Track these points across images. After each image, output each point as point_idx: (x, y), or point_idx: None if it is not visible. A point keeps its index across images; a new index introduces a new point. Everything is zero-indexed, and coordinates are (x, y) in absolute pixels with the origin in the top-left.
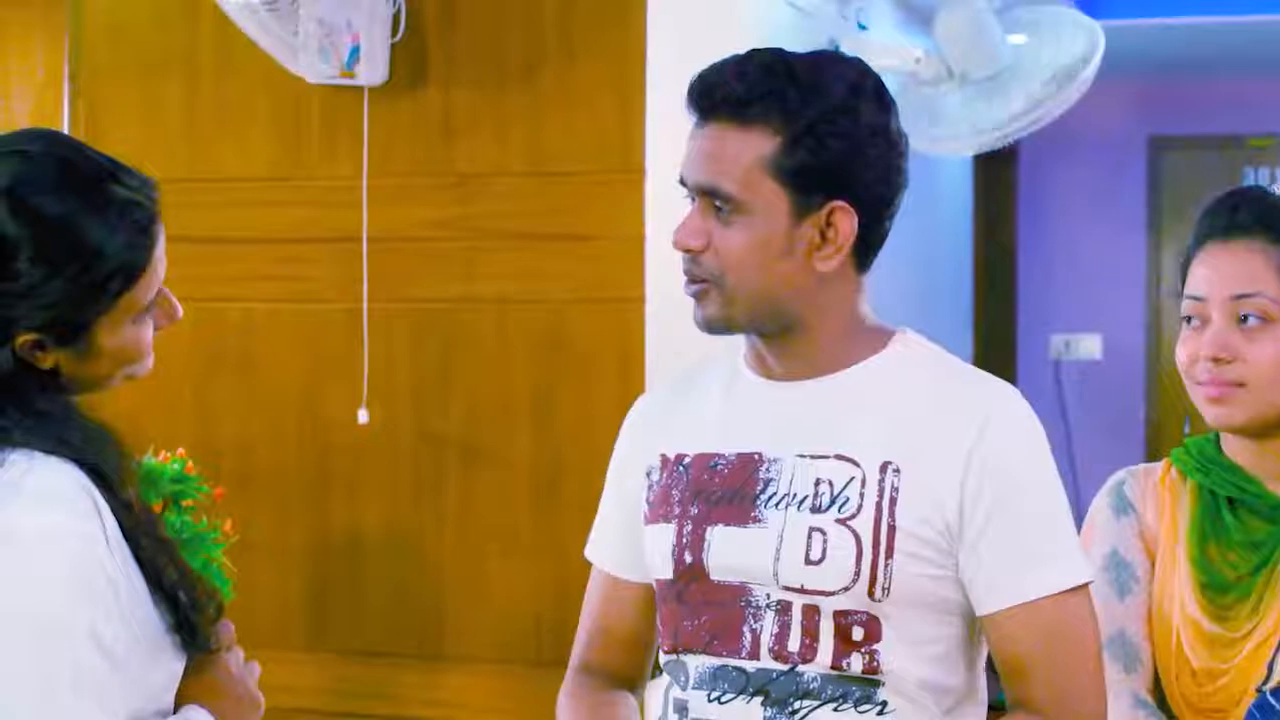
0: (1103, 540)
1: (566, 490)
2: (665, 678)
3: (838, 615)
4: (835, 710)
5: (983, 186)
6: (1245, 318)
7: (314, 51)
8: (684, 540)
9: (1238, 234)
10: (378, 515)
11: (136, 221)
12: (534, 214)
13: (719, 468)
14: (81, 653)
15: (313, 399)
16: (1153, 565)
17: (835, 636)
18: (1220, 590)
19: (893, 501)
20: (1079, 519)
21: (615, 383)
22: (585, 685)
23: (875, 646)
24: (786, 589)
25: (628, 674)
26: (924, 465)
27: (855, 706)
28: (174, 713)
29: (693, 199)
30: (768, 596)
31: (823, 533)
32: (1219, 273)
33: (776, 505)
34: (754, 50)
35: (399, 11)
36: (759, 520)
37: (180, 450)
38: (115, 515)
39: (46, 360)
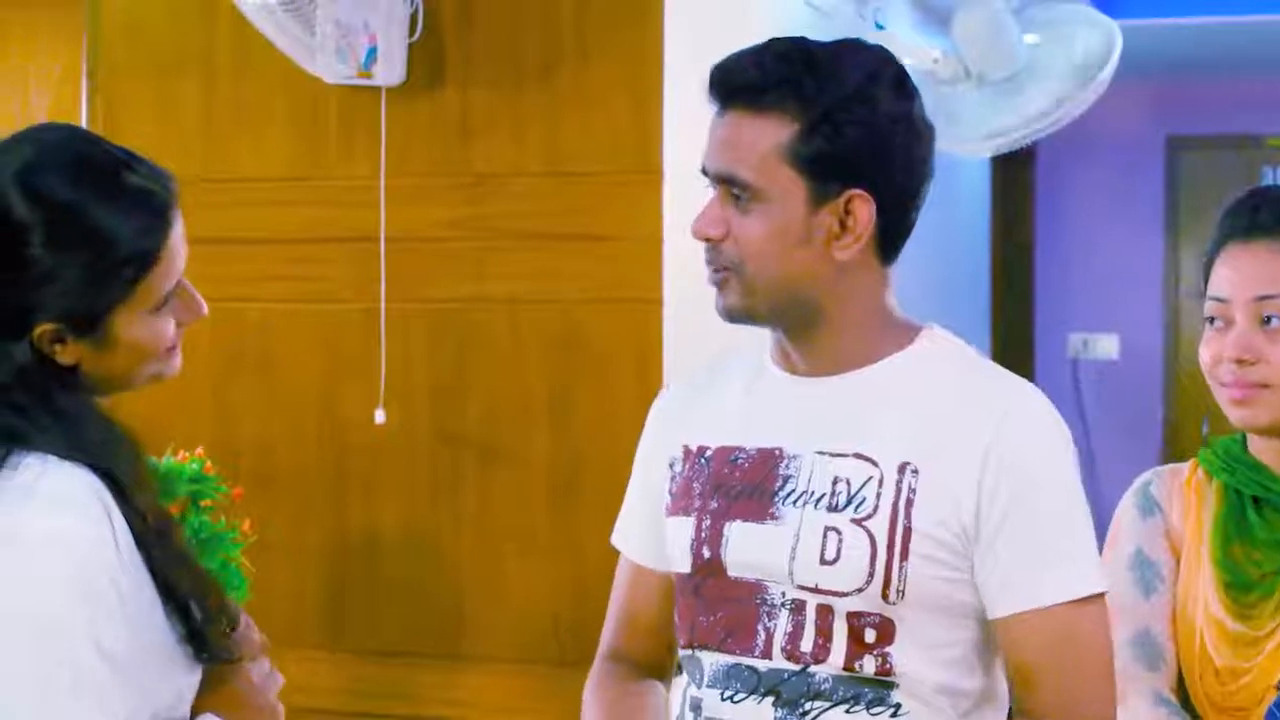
0: (1129, 540)
1: (584, 490)
2: (685, 676)
3: (851, 616)
4: (847, 712)
5: (1000, 186)
6: (1269, 319)
7: (331, 52)
8: (702, 535)
9: (1259, 234)
10: (395, 515)
11: (150, 208)
12: (551, 214)
13: (740, 462)
14: (82, 655)
15: (330, 399)
16: (1178, 565)
17: (848, 638)
18: (1244, 589)
19: (909, 503)
20: (1098, 520)
21: (633, 383)
22: (611, 674)
23: (888, 649)
24: (801, 588)
25: (654, 662)
26: (942, 465)
27: (868, 709)
28: None
29: (714, 189)
30: (783, 595)
31: (838, 532)
32: (1241, 274)
33: (794, 503)
34: (774, 39)
35: (416, 12)
36: (776, 517)
37: (199, 450)
38: (128, 522)
39: (67, 355)
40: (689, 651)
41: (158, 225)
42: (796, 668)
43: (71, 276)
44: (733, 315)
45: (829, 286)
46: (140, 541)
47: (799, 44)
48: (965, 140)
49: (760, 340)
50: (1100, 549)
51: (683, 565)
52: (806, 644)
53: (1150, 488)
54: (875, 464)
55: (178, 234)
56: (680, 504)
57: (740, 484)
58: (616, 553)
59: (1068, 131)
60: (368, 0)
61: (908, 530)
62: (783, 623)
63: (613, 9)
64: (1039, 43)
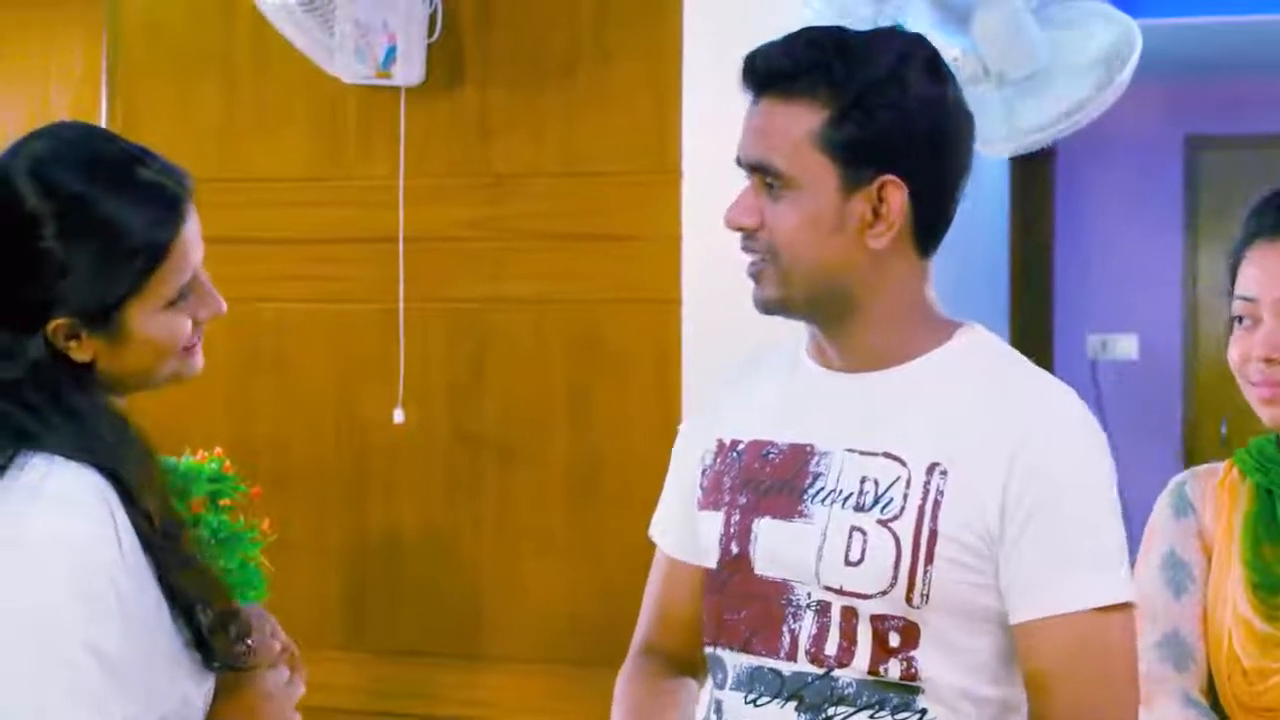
0: (1162, 540)
1: (603, 489)
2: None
3: (875, 619)
4: (871, 717)
5: (1020, 186)
6: None
7: (350, 52)
8: (731, 530)
9: None
10: (414, 515)
11: (162, 201)
12: (570, 214)
13: (771, 456)
14: (78, 657)
15: (349, 399)
16: (1209, 565)
17: (873, 641)
18: (1272, 590)
19: (936, 505)
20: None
21: (651, 383)
22: (644, 669)
23: (913, 653)
24: (827, 589)
25: (688, 656)
26: (970, 466)
27: (893, 714)
28: None
29: (749, 179)
30: (808, 596)
31: (863, 533)
32: (1268, 272)
33: (823, 501)
34: (806, 27)
35: (435, 12)
36: (805, 515)
37: (218, 450)
38: (133, 524)
39: (81, 352)
40: (712, 649)
41: (169, 218)
42: (820, 671)
43: (83, 268)
44: (768, 307)
45: (864, 276)
46: (147, 544)
47: (831, 31)
48: (986, 140)
49: (798, 334)
50: (1132, 555)
51: (711, 560)
52: (831, 647)
53: (1184, 488)
54: (904, 464)
55: (191, 229)
56: (711, 498)
57: (770, 479)
58: (635, 552)
59: (1087, 131)
60: (387, 0)
61: (933, 533)
62: (807, 624)
63: (632, 9)
64: (1058, 41)
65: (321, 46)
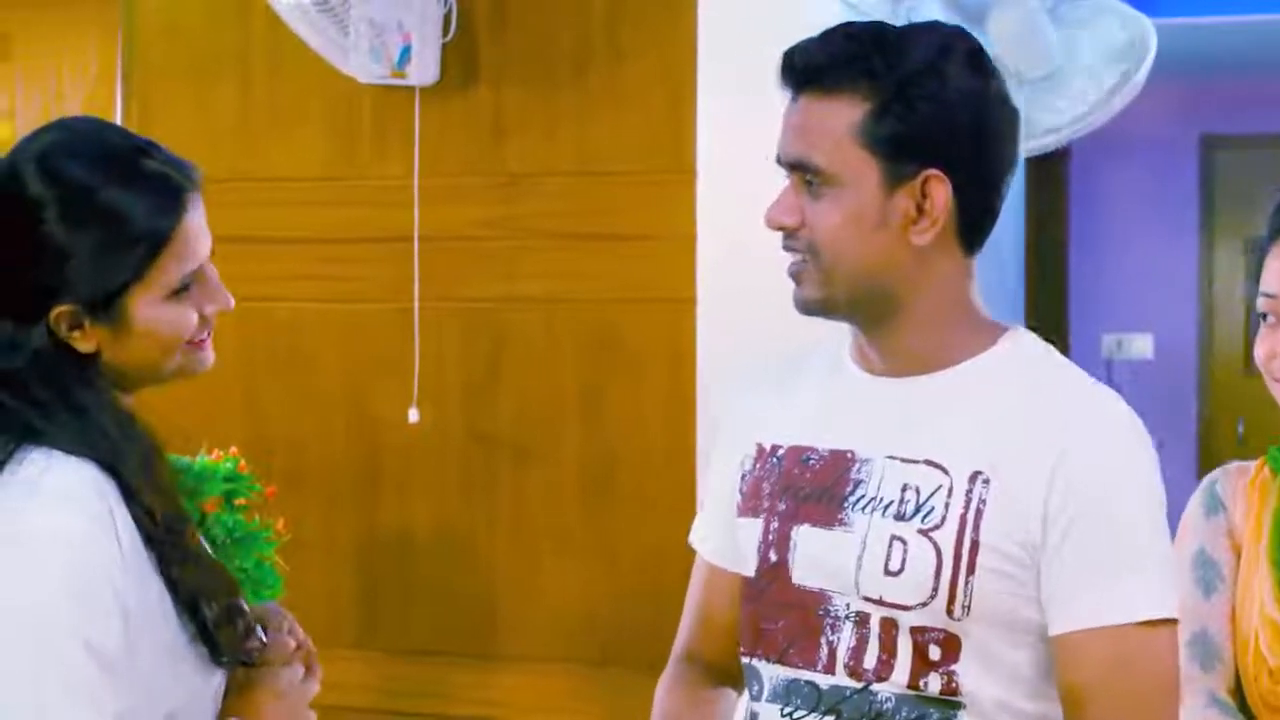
0: (1193, 539)
1: (617, 489)
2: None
3: (915, 631)
4: None
5: (1034, 186)
6: None
7: (365, 52)
8: (770, 537)
9: None
10: (428, 514)
11: (165, 190)
12: (584, 213)
13: (811, 463)
14: (74, 654)
15: (364, 398)
16: (1239, 564)
17: (913, 654)
18: None
19: (978, 514)
20: None
21: (666, 382)
22: (683, 677)
23: (953, 667)
24: (866, 599)
25: (728, 665)
26: (1013, 475)
27: None
28: None
29: (789, 178)
30: (847, 606)
31: (904, 542)
32: None
33: (863, 509)
34: (844, 23)
35: (450, 11)
36: (845, 523)
37: (233, 449)
38: (135, 520)
39: (85, 342)
40: (748, 660)
41: (172, 206)
42: (859, 685)
43: (85, 254)
44: (809, 307)
45: (907, 275)
46: (148, 539)
47: (869, 25)
48: None
49: (830, 335)
50: None
51: (750, 568)
52: (870, 660)
53: (1216, 486)
54: (946, 472)
55: (195, 219)
56: (750, 504)
57: (810, 486)
58: (649, 550)
59: (1101, 131)
60: (401, 0)
61: (975, 544)
62: (846, 636)
63: (646, 8)
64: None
65: (336, 46)
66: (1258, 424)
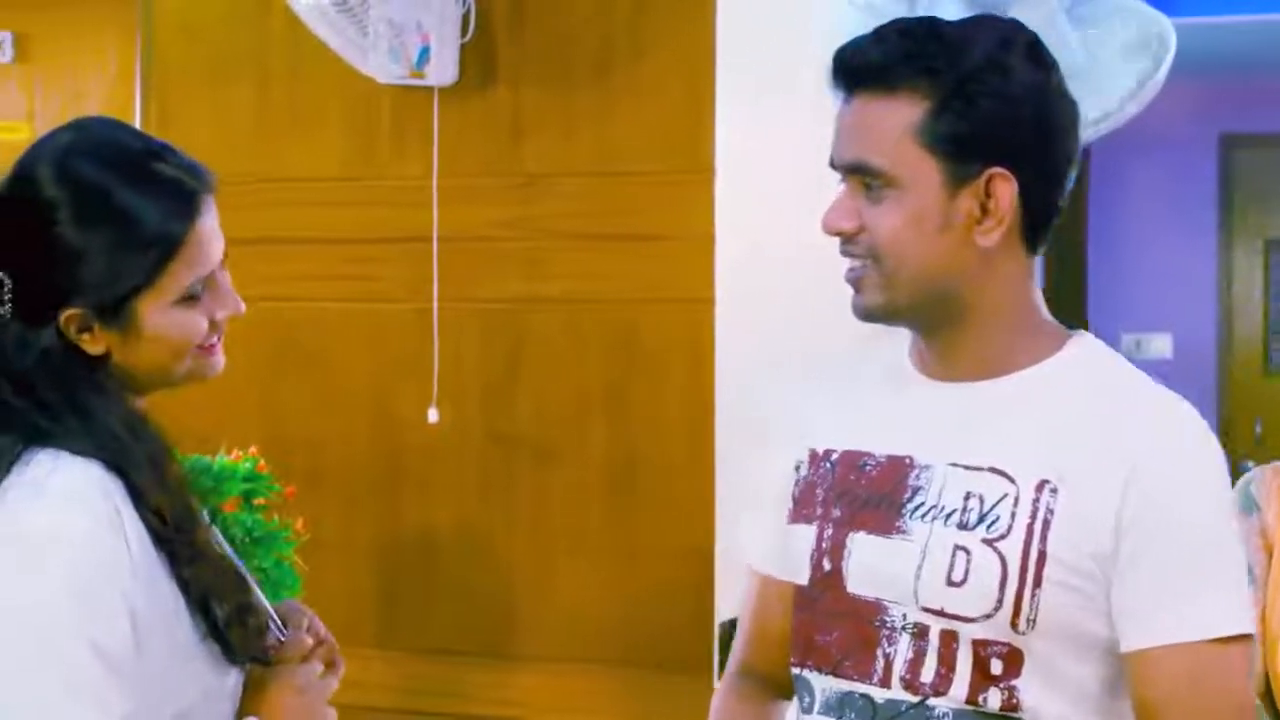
0: None
1: (637, 489)
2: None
3: (976, 645)
4: None
5: None
6: None
7: (384, 52)
8: (823, 545)
9: None
10: (448, 514)
11: (178, 194)
12: (603, 214)
13: (868, 469)
14: (78, 653)
15: (383, 398)
16: (1270, 565)
17: (973, 668)
18: None
19: (1046, 525)
20: None
21: (685, 382)
22: (740, 691)
23: (1015, 682)
24: (925, 610)
25: (786, 678)
26: (1084, 485)
27: None
28: None
29: (844, 183)
30: (904, 617)
31: (967, 552)
32: None
33: (923, 517)
34: (896, 19)
35: (468, 11)
36: (903, 531)
37: (252, 449)
38: (144, 520)
39: (94, 344)
40: (799, 671)
41: (184, 211)
42: (915, 699)
43: (96, 257)
44: (870, 314)
45: (972, 277)
46: (159, 540)
47: (923, 21)
48: None
49: (896, 336)
50: None
51: (801, 576)
52: (928, 674)
53: (1250, 486)
54: (1012, 480)
55: (207, 224)
56: (802, 511)
57: (866, 492)
58: (668, 551)
59: (1121, 130)
60: (420, 0)
61: (1042, 555)
62: (903, 649)
63: (664, 7)
64: (1094, 41)
65: (355, 47)
66: (1276, 424)
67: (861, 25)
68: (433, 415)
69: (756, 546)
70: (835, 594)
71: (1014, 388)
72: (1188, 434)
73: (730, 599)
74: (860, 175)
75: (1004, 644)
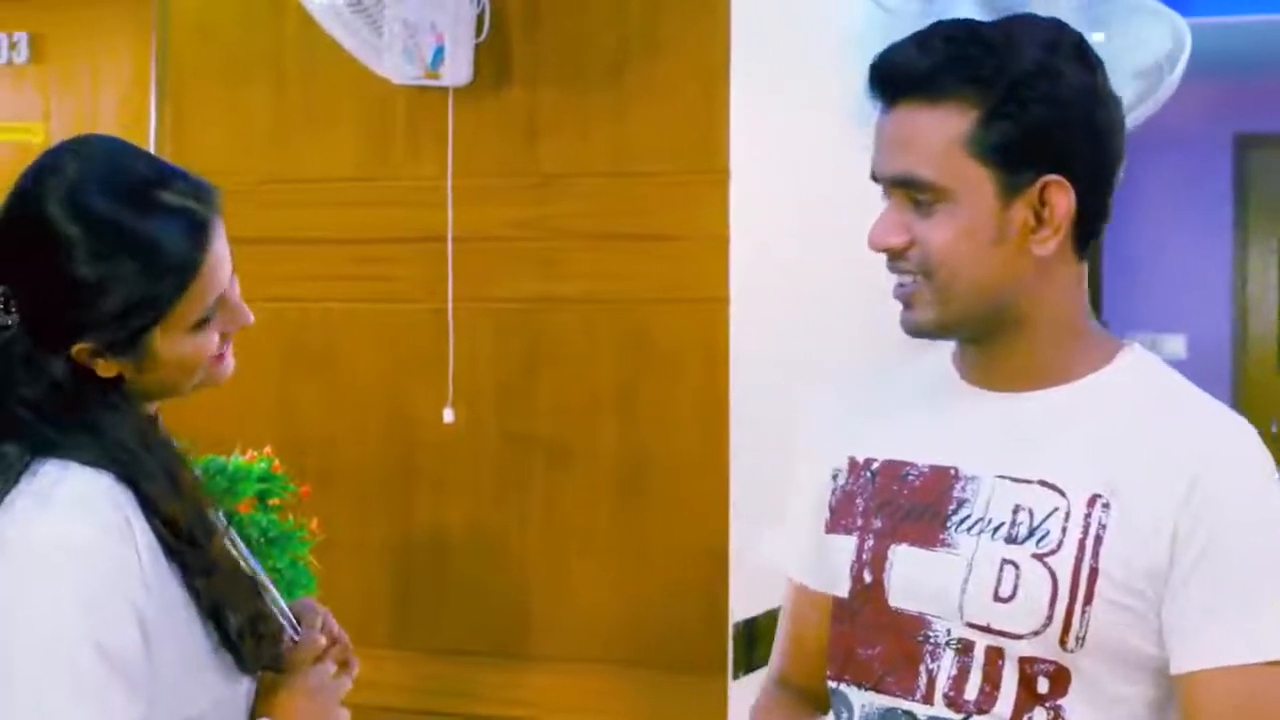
0: None
1: (651, 490)
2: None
3: (1023, 662)
4: None
5: None
6: None
7: (398, 52)
8: (864, 557)
9: None
10: (462, 514)
11: (189, 226)
12: (618, 214)
13: (910, 479)
14: (83, 661)
15: (398, 398)
16: None
17: (1019, 686)
18: None
19: (1098, 540)
20: None
21: (699, 383)
22: (778, 703)
23: (1060, 701)
24: (971, 625)
25: (824, 691)
26: (1137, 500)
27: None
28: None
29: (888, 196)
30: (948, 633)
31: (1016, 566)
32: None
33: (969, 530)
34: (936, 23)
35: (483, 12)
36: (948, 544)
37: (267, 449)
38: (155, 531)
39: (107, 370)
40: (836, 685)
41: (197, 241)
42: (958, 717)
43: (111, 295)
44: (922, 330)
45: (1028, 288)
46: (170, 550)
47: (964, 24)
48: None
49: (941, 346)
50: None
51: (840, 588)
52: (971, 691)
53: None
54: (1063, 494)
55: (218, 251)
56: (841, 521)
57: (909, 503)
58: (682, 551)
59: (1135, 130)
60: (434, 0)
61: (1094, 571)
62: (946, 665)
63: (679, 7)
64: (1109, 42)
65: (370, 47)
66: None
67: (878, 25)
68: (448, 415)
69: (791, 556)
70: (876, 607)
71: (1066, 399)
72: (1248, 452)
73: (744, 600)
74: (907, 188)
75: (1051, 662)
